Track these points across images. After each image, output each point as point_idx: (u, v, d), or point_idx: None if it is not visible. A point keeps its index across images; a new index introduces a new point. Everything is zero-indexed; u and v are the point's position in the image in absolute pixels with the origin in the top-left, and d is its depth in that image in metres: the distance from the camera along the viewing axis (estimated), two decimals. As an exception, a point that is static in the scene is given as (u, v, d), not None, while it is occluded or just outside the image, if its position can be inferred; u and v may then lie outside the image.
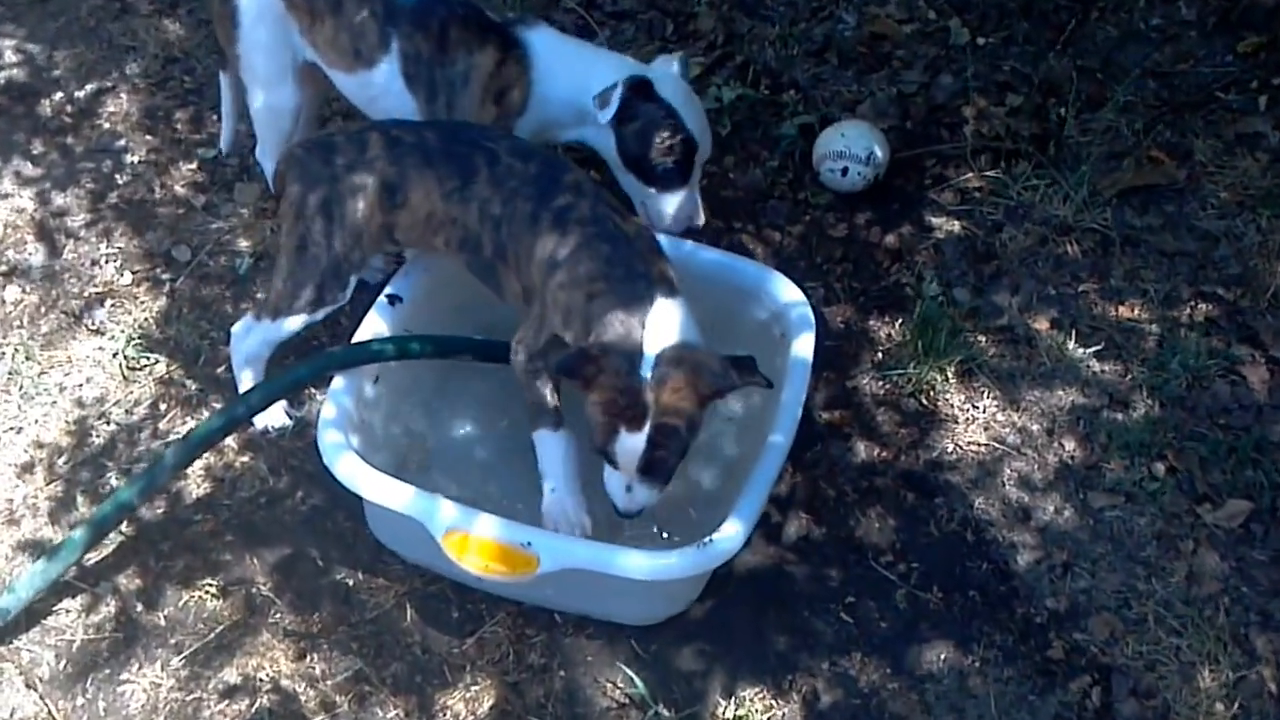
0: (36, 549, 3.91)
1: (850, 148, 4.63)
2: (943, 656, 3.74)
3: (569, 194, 3.64)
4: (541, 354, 3.47)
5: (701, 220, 4.11)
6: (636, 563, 3.44)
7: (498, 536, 3.46)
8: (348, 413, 3.73)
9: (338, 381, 3.74)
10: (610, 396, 3.37)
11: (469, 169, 3.71)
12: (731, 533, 3.47)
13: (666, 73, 4.06)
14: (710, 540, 3.45)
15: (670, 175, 4.02)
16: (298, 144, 3.91)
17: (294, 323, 3.91)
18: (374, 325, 3.86)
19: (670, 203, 4.06)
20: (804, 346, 3.83)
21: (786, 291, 3.95)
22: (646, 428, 3.37)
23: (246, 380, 4.04)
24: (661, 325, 3.44)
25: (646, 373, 3.37)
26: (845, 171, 4.63)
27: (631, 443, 3.39)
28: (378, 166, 3.76)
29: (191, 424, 4.14)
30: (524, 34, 4.06)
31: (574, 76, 4.03)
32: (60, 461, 4.10)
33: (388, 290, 3.93)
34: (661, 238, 3.90)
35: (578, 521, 3.67)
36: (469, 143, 3.76)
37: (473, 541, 3.46)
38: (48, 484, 4.04)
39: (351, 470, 3.56)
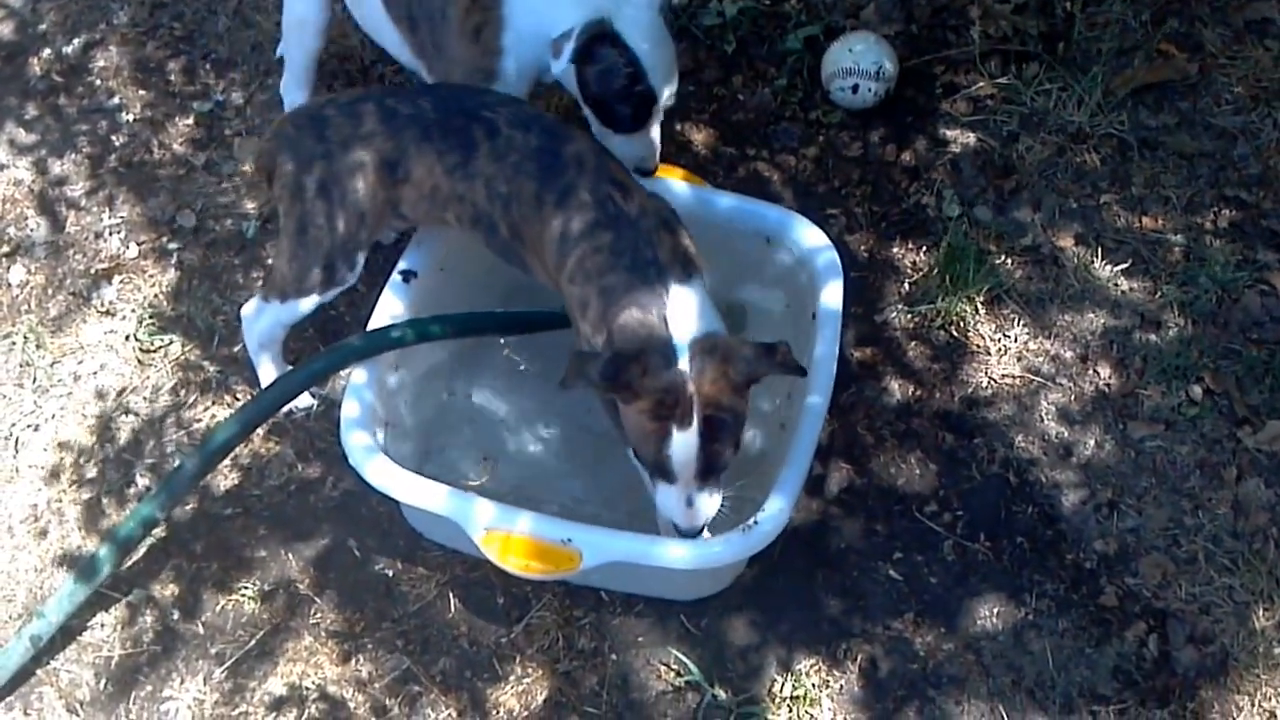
0: (66, 560, 3.60)
1: (859, 64, 4.24)
2: (995, 611, 3.48)
3: (571, 170, 3.23)
4: (577, 373, 3.02)
5: (654, 165, 3.65)
6: (679, 553, 3.13)
7: (537, 534, 3.15)
8: (371, 407, 3.37)
9: (358, 374, 3.38)
10: (656, 398, 2.97)
11: (469, 141, 3.31)
12: (775, 511, 3.16)
13: (639, 8, 3.54)
14: (755, 522, 3.14)
15: (626, 122, 3.57)
16: (287, 118, 3.51)
17: (304, 304, 3.53)
18: (390, 305, 3.48)
19: (623, 144, 3.59)
20: (833, 297, 3.48)
21: (810, 236, 3.59)
22: (695, 422, 2.98)
23: (264, 364, 3.69)
24: (682, 315, 3.05)
25: (684, 365, 2.98)
26: (856, 89, 4.25)
27: (685, 442, 2.99)
28: (374, 141, 3.35)
29: (215, 411, 3.80)
30: None
31: (542, 12, 3.53)
32: (83, 461, 3.76)
33: (401, 266, 3.55)
34: (680, 189, 3.62)
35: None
36: (467, 113, 3.34)
37: (513, 541, 3.14)
38: (72, 486, 3.71)
39: (383, 474, 3.23)
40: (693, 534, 3.12)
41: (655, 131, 3.61)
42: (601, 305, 3.10)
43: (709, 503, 3.09)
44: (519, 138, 3.28)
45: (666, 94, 3.56)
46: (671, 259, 3.12)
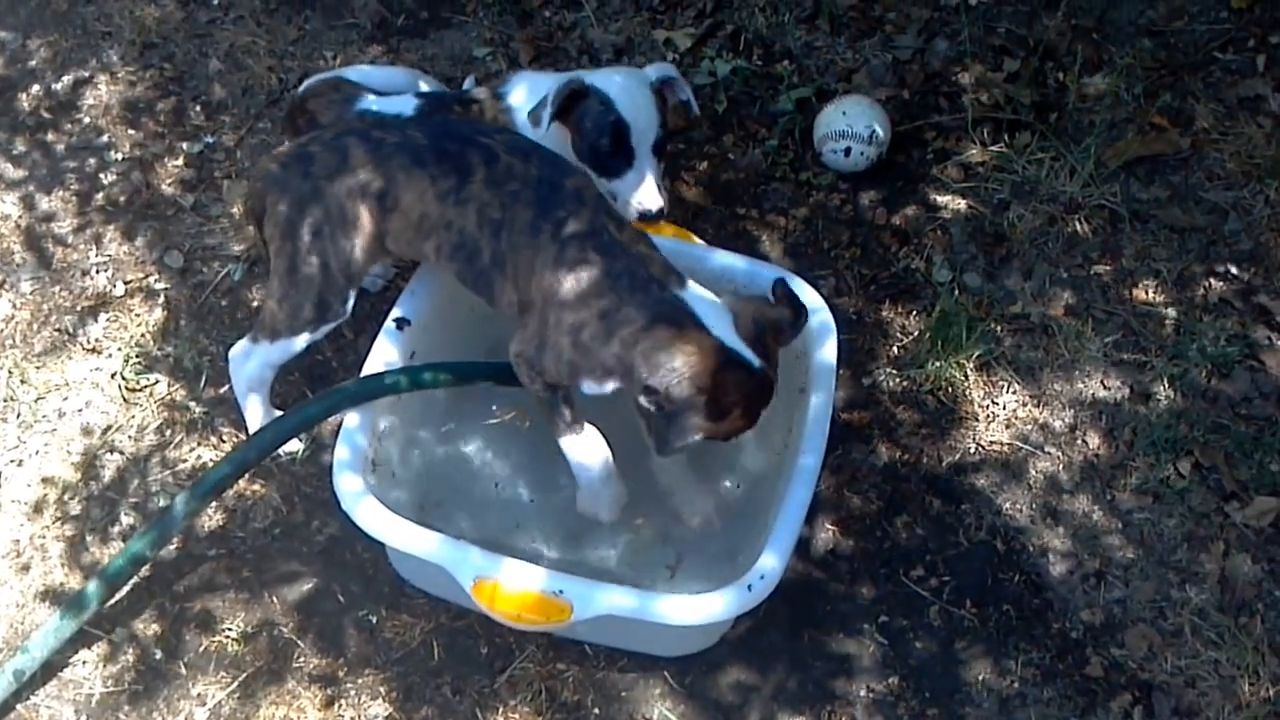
0: (48, 596, 3.64)
1: (852, 127, 4.33)
2: (981, 678, 3.54)
3: (571, 202, 3.31)
4: (675, 438, 3.17)
5: (654, 206, 3.80)
6: (677, 608, 3.17)
7: (529, 584, 3.19)
8: (363, 452, 3.41)
9: (351, 419, 3.42)
10: (747, 403, 3.19)
11: (464, 166, 3.38)
12: (770, 568, 3.21)
13: (630, 74, 3.83)
14: (753, 582, 3.19)
15: (610, 160, 3.77)
16: (273, 159, 3.55)
17: (296, 343, 3.59)
18: (384, 352, 3.53)
19: (619, 188, 3.79)
20: (827, 357, 3.55)
21: (804, 296, 3.61)
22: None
23: (252, 405, 3.74)
24: (710, 317, 3.18)
25: (756, 362, 3.15)
26: (848, 152, 4.33)
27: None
28: (362, 173, 3.42)
29: (201, 452, 3.85)
30: (501, 89, 3.89)
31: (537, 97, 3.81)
32: (67, 497, 3.80)
33: (395, 314, 3.59)
34: (675, 246, 3.66)
35: (615, 500, 3.49)
36: (462, 139, 3.43)
37: (503, 590, 3.18)
38: (55, 522, 3.75)
39: (374, 519, 3.26)
40: None
41: (649, 174, 3.77)
42: (604, 328, 3.21)
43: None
44: (519, 166, 3.36)
45: (644, 129, 3.74)
46: (666, 272, 3.26)
